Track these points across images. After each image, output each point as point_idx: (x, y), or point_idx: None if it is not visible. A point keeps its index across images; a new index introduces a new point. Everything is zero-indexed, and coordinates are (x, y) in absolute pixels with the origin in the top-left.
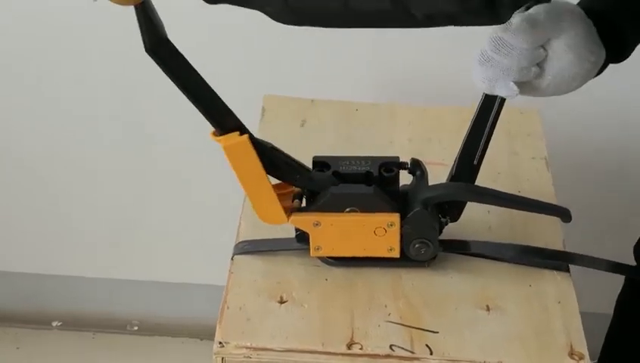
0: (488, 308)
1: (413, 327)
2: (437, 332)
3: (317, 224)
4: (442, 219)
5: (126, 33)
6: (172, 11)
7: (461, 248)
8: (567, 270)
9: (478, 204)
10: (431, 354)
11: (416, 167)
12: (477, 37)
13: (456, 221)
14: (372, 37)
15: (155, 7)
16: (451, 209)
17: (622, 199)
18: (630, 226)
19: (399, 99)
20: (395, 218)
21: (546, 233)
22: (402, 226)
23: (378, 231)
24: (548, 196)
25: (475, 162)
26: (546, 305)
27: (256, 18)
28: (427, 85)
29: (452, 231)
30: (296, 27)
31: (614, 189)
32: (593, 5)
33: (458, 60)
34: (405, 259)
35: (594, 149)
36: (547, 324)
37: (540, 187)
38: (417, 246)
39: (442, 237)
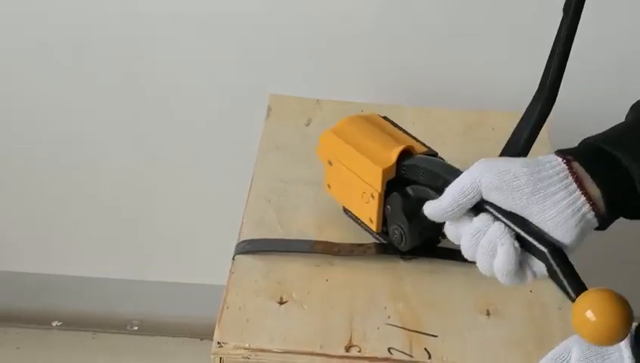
0: (488, 313)
1: (412, 331)
2: (436, 336)
3: (330, 163)
4: None
5: (129, 35)
6: (179, 9)
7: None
8: None
9: None
10: (429, 358)
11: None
12: (483, 40)
13: None
14: (378, 38)
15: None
16: None
17: None
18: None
19: (403, 100)
20: (376, 191)
21: None
22: (385, 205)
23: (364, 197)
24: None
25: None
26: (546, 311)
27: (262, 17)
28: (431, 87)
29: None
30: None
31: None
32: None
33: (464, 63)
34: (392, 249)
35: None
36: (547, 330)
37: None
38: (393, 228)
39: (443, 244)
